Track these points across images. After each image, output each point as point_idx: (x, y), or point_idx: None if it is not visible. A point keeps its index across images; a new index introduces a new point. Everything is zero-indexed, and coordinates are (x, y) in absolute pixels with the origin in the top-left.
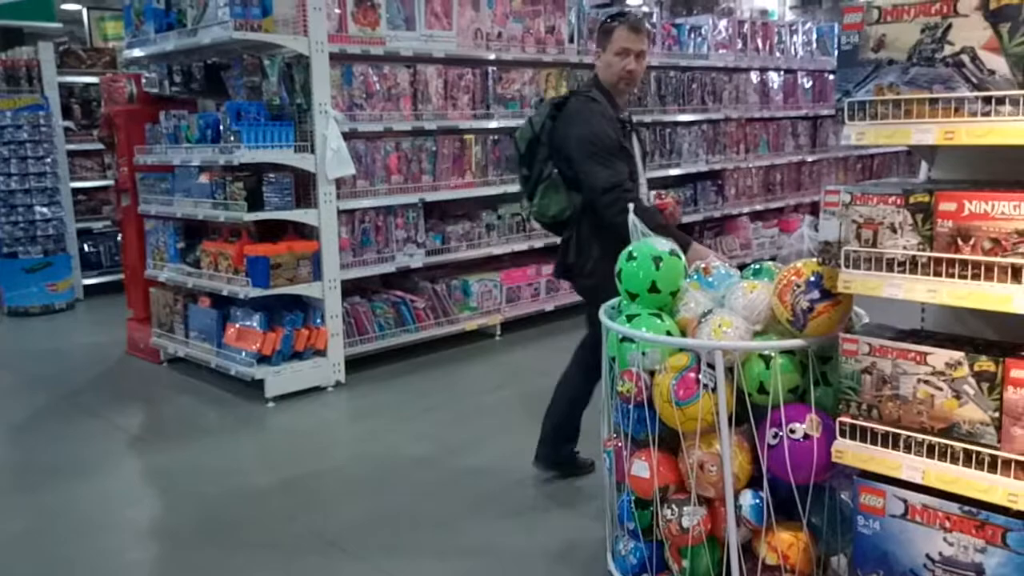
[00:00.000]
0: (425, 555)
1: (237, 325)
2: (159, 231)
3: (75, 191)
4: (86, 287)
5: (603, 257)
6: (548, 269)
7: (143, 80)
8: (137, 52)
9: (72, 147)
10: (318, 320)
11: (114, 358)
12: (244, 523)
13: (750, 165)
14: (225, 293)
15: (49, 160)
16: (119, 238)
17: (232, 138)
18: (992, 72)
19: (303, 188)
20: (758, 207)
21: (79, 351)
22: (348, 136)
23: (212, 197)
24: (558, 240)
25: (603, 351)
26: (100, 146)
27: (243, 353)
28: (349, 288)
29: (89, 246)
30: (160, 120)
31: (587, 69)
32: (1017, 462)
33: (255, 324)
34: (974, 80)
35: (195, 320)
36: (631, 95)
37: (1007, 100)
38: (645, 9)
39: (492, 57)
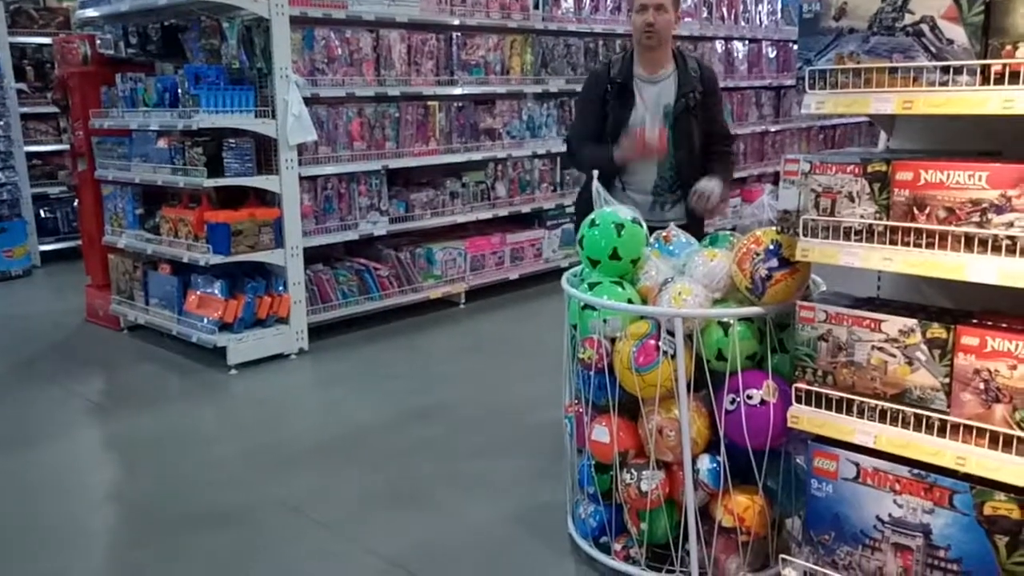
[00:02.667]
0: (388, 521)
1: (198, 292)
2: (117, 197)
3: (30, 155)
4: (43, 253)
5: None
6: (513, 237)
7: (98, 42)
8: (91, 12)
9: (25, 110)
10: (280, 287)
11: (73, 325)
12: (206, 491)
13: None
14: (185, 260)
15: (1, 123)
16: (76, 204)
17: (191, 102)
18: (951, 41)
19: (264, 154)
20: None
21: (37, 318)
22: (310, 101)
23: (171, 162)
24: (523, 209)
25: (566, 318)
26: (55, 109)
27: (204, 320)
28: (312, 255)
29: (45, 212)
30: (116, 83)
31: (552, 36)
32: (965, 426)
33: (216, 291)
34: (933, 49)
35: (155, 287)
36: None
37: (965, 70)
38: None
39: (456, 22)
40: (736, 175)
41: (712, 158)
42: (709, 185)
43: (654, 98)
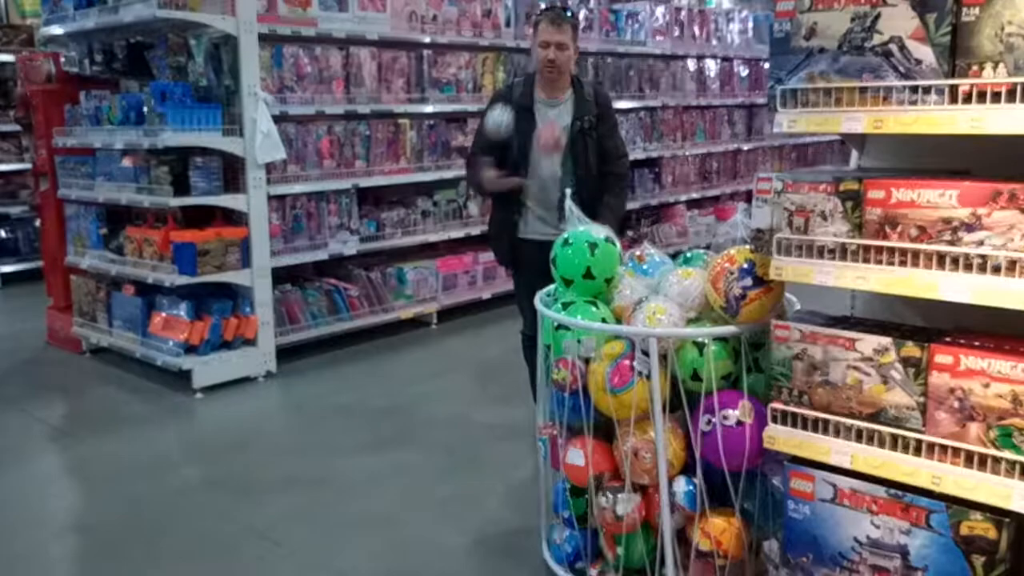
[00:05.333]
0: (359, 547)
1: (163, 314)
2: (80, 216)
3: None
4: (3, 274)
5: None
6: (485, 256)
7: (62, 59)
8: (56, 29)
9: None
10: (248, 309)
11: (34, 348)
12: (172, 517)
13: (687, 153)
14: (150, 281)
15: None
16: (37, 223)
17: (157, 120)
18: (919, 61)
19: (232, 172)
20: (695, 195)
21: None
22: (278, 119)
23: (136, 181)
24: None
25: (539, 338)
26: (16, 128)
27: (170, 343)
28: (280, 276)
29: (6, 231)
30: (81, 101)
31: (523, 53)
32: (940, 445)
33: (182, 313)
34: (902, 69)
35: (119, 309)
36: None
37: (933, 89)
38: None
39: (427, 40)
40: (709, 193)
41: (607, 181)
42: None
43: (553, 120)
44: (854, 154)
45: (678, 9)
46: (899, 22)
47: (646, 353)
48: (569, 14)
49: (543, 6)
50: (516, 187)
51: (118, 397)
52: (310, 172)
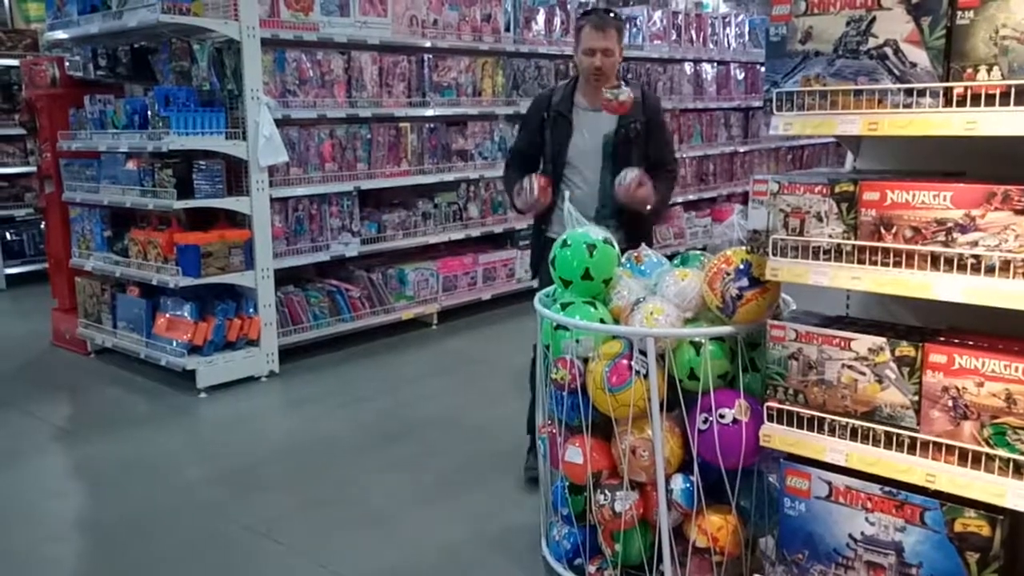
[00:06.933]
0: (360, 546)
1: (167, 315)
2: (85, 219)
3: None
4: (8, 276)
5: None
6: (485, 258)
7: (66, 63)
8: (60, 34)
9: None
10: (251, 310)
11: (39, 349)
12: (174, 516)
13: (684, 155)
14: (155, 282)
15: None
16: (43, 226)
17: (161, 124)
18: (914, 64)
19: (235, 175)
20: (691, 197)
21: (1, 342)
22: (281, 123)
23: (140, 184)
24: (495, 229)
25: (538, 338)
26: (22, 131)
27: (174, 343)
28: (283, 277)
29: (11, 234)
30: (85, 105)
31: (524, 58)
32: (935, 443)
33: (186, 314)
34: (896, 72)
35: (123, 310)
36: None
37: (928, 92)
38: None
39: (428, 44)
40: (706, 195)
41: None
42: (630, 173)
43: (593, 127)
44: (849, 156)
45: (675, 14)
46: (894, 26)
47: (644, 353)
48: (613, 15)
49: (543, 4)
50: (541, 208)
51: (122, 397)
52: (312, 175)
